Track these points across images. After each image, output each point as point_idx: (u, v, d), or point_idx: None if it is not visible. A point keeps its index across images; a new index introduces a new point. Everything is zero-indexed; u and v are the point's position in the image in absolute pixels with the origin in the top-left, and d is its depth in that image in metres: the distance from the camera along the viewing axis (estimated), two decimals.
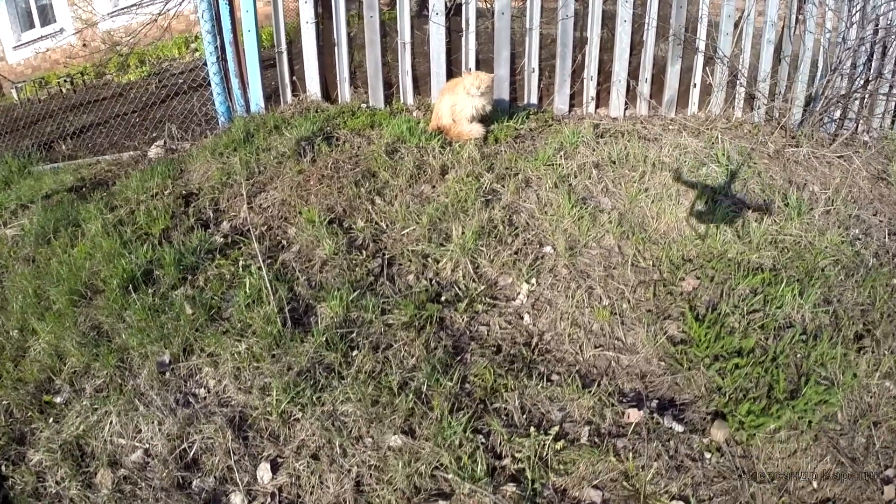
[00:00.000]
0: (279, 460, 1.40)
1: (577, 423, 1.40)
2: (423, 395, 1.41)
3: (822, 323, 1.80)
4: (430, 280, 1.74)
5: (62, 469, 1.50)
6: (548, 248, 1.85)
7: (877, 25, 3.19)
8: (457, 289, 1.70)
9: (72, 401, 1.63)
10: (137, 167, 2.94)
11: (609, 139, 2.51)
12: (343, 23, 2.77)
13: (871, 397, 1.67)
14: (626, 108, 3.02)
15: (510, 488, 1.29)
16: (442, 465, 1.31)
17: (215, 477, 1.41)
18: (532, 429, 1.36)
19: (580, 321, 1.62)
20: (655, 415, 1.43)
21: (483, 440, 1.35)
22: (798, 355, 1.65)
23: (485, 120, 2.55)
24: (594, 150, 2.37)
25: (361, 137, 2.51)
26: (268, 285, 1.62)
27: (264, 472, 1.39)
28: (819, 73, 3.11)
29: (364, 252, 1.84)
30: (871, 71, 3.30)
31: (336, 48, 2.81)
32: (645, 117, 2.97)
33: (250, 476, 1.39)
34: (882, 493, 1.50)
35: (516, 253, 1.81)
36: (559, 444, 1.34)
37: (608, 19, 2.86)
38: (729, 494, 1.39)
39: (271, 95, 2.95)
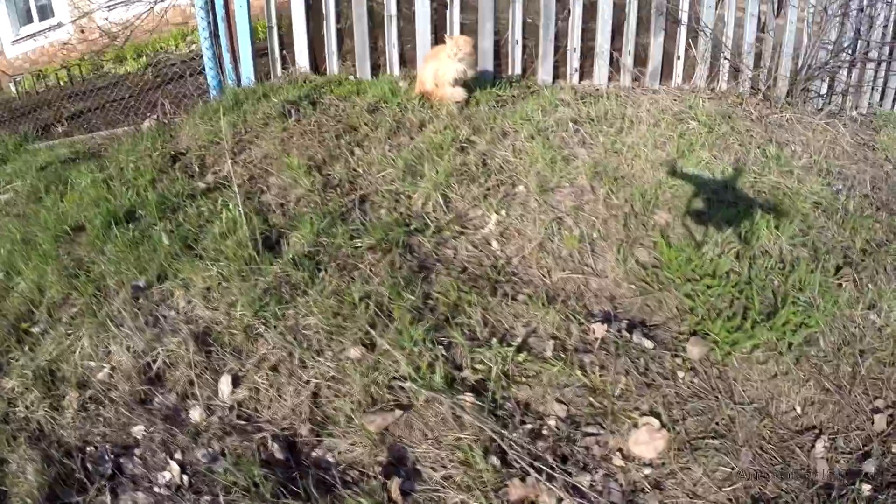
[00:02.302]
0: (240, 374, 1.39)
1: (542, 339, 1.38)
2: (385, 308, 1.41)
3: (800, 255, 1.77)
4: (402, 213, 1.76)
5: (33, 394, 1.50)
6: (520, 188, 1.86)
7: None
8: (426, 219, 1.71)
9: (49, 330, 1.65)
10: (131, 137, 3.02)
11: (590, 100, 2.55)
12: None
13: (855, 328, 1.62)
14: (609, 80, 3.06)
15: (468, 398, 1.27)
16: (400, 375, 1.30)
17: (177, 393, 1.41)
18: (494, 341, 1.34)
19: (549, 247, 1.62)
20: (624, 332, 1.41)
21: (443, 352, 1.33)
22: (775, 281, 1.62)
23: (467, 87, 2.60)
24: (573, 109, 2.40)
25: (346, 102, 2.57)
26: (242, 214, 1.65)
27: (224, 385, 1.39)
28: (804, 45, 3.13)
29: (339, 190, 1.87)
30: (858, 42, 3.32)
31: (325, 22, 2.91)
32: (628, 88, 3.00)
33: (211, 391, 1.39)
34: (873, 423, 1.45)
35: (488, 190, 1.83)
36: (521, 356, 1.32)
37: None
38: (705, 414, 1.35)
39: (264, 72, 3.04)
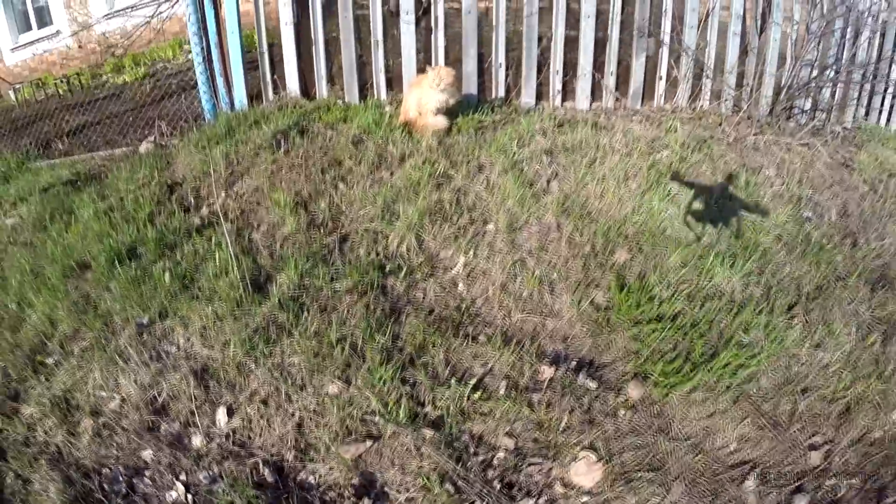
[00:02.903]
0: (234, 406, 1.65)
1: (497, 378, 1.62)
2: (359, 349, 1.65)
3: (753, 294, 1.97)
4: (378, 253, 1.99)
5: (50, 420, 1.76)
6: (490, 226, 2.08)
7: (847, 13, 3.36)
8: (400, 260, 1.94)
9: (62, 361, 1.91)
10: (129, 161, 3.27)
11: (567, 128, 2.74)
12: (320, 23, 3.06)
13: (800, 366, 1.78)
14: (592, 101, 3.23)
15: (429, 432, 1.51)
16: (371, 410, 1.55)
17: (180, 421, 1.67)
18: (453, 380, 1.58)
19: (511, 289, 1.85)
20: (570, 372, 1.64)
21: (409, 389, 1.58)
22: (722, 322, 1.82)
23: (450, 113, 2.80)
24: (549, 139, 2.60)
25: (333, 130, 2.78)
26: (232, 257, 1.89)
27: (221, 416, 1.65)
28: (788, 64, 3.28)
29: (323, 230, 2.10)
30: (843, 60, 3.46)
31: (314, 47, 3.10)
32: (610, 109, 3.18)
33: (209, 420, 1.65)
34: (808, 458, 1.58)
35: (459, 229, 2.05)
36: (477, 395, 1.56)
37: (572, 15, 3.09)
38: (642, 449, 1.56)
39: (256, 95, 3.25)
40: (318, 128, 2.80)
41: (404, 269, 1.90)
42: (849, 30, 3.35)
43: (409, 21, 3.01)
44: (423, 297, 1.83)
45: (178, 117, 3.44)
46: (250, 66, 3.23)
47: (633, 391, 1.58)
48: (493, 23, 3.04)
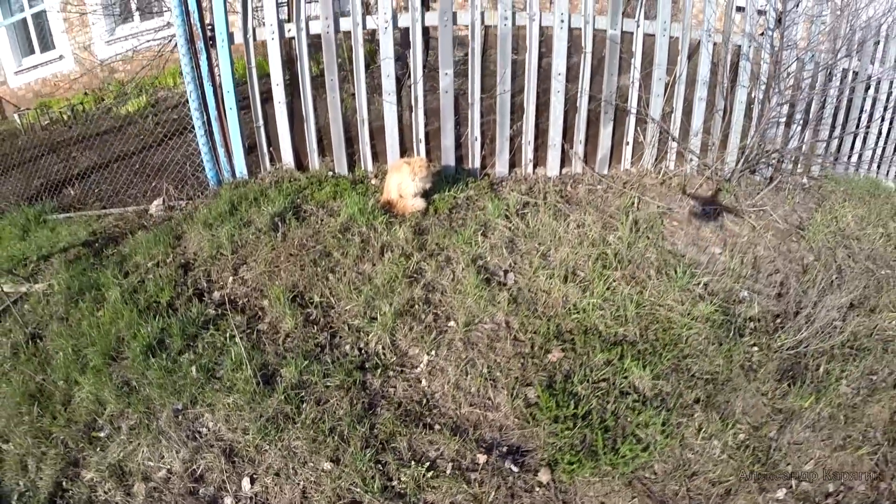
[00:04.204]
0: (255, 476, 2.52)
1: (446, 460, 2.46)
2: (345, 437, 2.49)
3: (663, 391, 2.73)
4: (360, 350, 2.80)
5: (108, 483, 2.63)
6: (451, 323, 2.86)
7: (816, 69, 3.91)
8: (377, 359, 2.75)
9: (113, 435, 2.78)
10: (140, 222, 4.07)
11: (531, 209, 3.45)
12: (310, 103, 3.74)
13: (693, 454, 2.54)
14: (562, 167, 3.90)
15: (394, 502, 2.37)
16: (355, 483, 2.40)
17: (214, 487, 2.55)
18: (413, 462, 2.42)
19: (462, 385, 2.65)
20: (500, 457, 2.46)
21: (381, 468, 2.43)
22: (628, 419, 2.61)
23: (427, 193, 3.52)
24: (511, 226, 3.32)
25: (324, 210, 3.53)
26: (245, 356, 2.72)
27: (246, 484, 2.53)
28: (752, 127, 3.88)
29: (316, 327, 2.91)
30: (810, 115, 4.03)
31: (305, 124, 3.80)
32: (579, 175, 3.86)
33: (237, 486, 2.53)
34: None
35: (426, 328, 2.84)
36: (430, 473, 2.40)
37: (543, 91, 3.71)
38: None
39: (252, 147, 3.95)
40: (311, 208, 3.55)
41: (380, 368, 2.71)
42: (817, 85, 3.91)
43: (392, 101, 3.67)
44: (394, 392, 2.65)
45: (183, 177, 4.20)
46: (243, 103, 3.88)
47: (544, 476, 2.41)
48: (470, 100, 3.69)
